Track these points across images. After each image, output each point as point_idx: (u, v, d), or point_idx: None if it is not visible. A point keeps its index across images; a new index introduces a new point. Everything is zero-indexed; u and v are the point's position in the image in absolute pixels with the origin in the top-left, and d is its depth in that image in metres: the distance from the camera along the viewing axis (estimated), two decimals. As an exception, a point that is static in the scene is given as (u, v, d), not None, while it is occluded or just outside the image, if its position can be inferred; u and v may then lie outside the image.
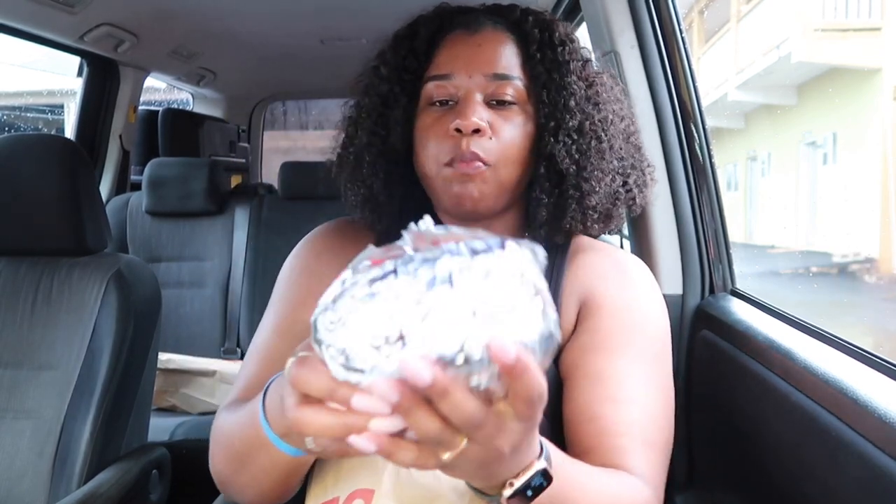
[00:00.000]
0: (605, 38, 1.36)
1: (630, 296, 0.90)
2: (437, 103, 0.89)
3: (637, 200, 0.96)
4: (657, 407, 0.83)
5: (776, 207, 8.01)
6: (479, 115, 0.85)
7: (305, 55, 3.00)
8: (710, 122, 1.34)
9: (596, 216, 0.91)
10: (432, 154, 0.87)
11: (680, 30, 1.33)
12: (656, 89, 1.33)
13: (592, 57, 0.96)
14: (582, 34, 1.40)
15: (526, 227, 0.95)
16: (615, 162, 0.92)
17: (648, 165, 1.00)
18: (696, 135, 1.32)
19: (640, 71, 1.33)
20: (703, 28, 7.40)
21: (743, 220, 7.83)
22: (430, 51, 0.91)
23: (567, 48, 0.92)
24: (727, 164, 7.83)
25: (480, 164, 0.85)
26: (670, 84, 1.34)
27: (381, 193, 0.94)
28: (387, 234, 0.97)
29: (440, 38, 0.92)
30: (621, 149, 0.93)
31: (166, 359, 2.28)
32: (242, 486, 0.79)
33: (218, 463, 0.82)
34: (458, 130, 0.84)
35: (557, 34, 0.92)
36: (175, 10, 2.33)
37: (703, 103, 1.34)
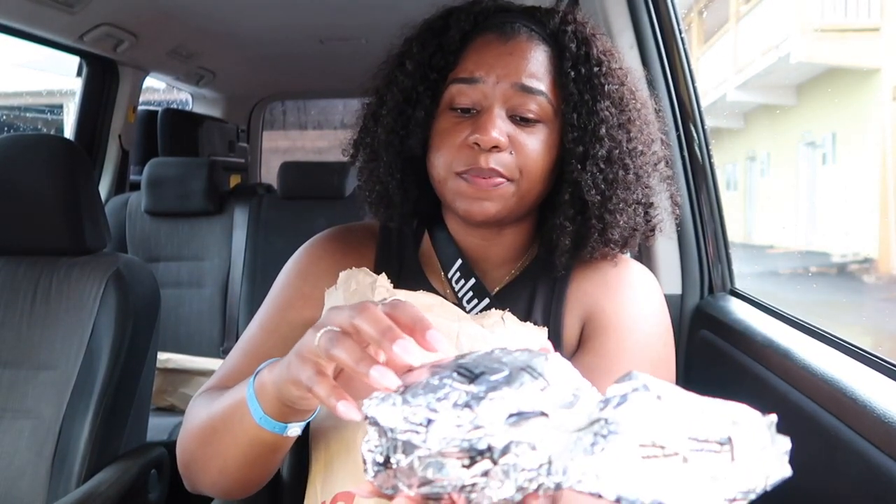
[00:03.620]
0: (605, 38, 1.35)
1: (635, 314, 0.88)
2: (459, 109, 0.85)
3: (655, 231, 0.94)
4: None
5: (775, 207, 8.01)
6: (500, 129, 0.82)
7: (305, 55, 3.00)
8: (709, 122, 1.34)
9: (616, 249, 0.89)
10: (444, 161, 0.85)
11: (679, 30, 1.33)
12: (656, 89, 1.33)
13: (629, 76, 0.91)
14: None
15: (535, 242, 0.94)
16: (640, 192, 0.88)
17: (672, 195, 0.98)
18: (695, 135, 1.32)
19: (640, 71, 1.33)
20: (702, 28, 7.40)
21: (742, 220, 7.84)
22: (459, 49, 0.87)
23: (604, 68, 0.87)
24: (726, 164, 7.84)
25: (501, 179, 0.83)
26: (669, 84, 1.34)
27: (395, 194, 0.92)
28: (388, 258, 0.96)
29: (471, 37, 0.88)
30: (649, 176, 0.90)
31: (165, 358, 2.28)
32: (207, 461, 0.79)
33: (187, 440, 0.82)
34: (477, 144, 0.82)
35: (595, 51, 0.87)
36: (174, 10, 2.33)
37: (703, 103, 1.34)
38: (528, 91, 0.84)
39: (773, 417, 0.45)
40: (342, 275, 0.88)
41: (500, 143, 0.82)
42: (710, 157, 1.33)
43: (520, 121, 0.84)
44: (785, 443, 0.45)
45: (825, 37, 6.08)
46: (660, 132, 0.95)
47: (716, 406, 0.45)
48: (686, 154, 1.33)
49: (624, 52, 1.33)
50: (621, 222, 0.87)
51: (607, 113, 0.85)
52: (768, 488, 0.44)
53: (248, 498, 1.11)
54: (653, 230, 0.93)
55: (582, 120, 0.85)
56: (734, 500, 0.43)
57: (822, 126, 6.60)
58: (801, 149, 6.94)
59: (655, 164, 0.92)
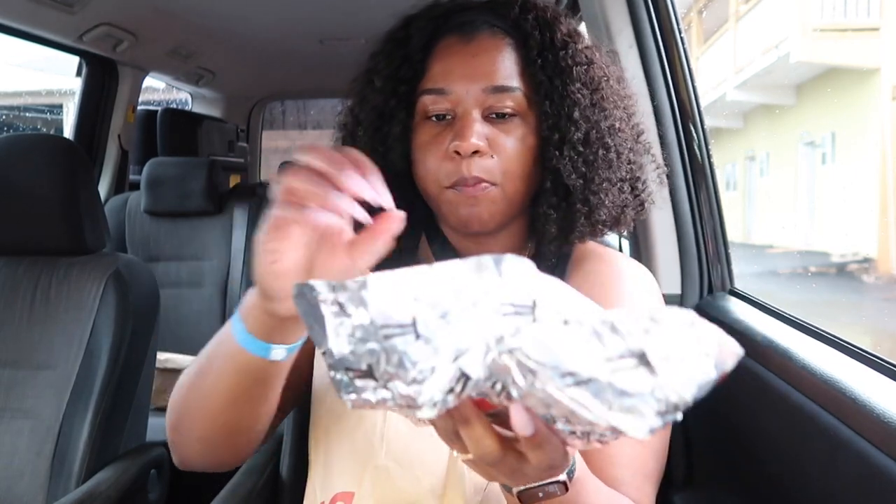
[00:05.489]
0: (604, 38, 1.35)
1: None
2: (434, 117, 0.85)
3: (646, 206, 0.93)
4: (658, 438, 0.83)
5: (775, 207, 8.02)
6: (478, 134, 0.81)
7: (304, 55, 3.00)
8: (708, 122, 1.34)
9: (605, 229, 0.89)
10: (432, 174, 0.85)
11: (679, 29, 1.33)
12: (655, 89, 1.33)
13: (598, 52, 0.90)
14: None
15: (531, 238, 0.93)
16: (623, 169, 0.88)
17: (658, 167, 0.97)
18: (694, 134, 1.32)
19: (639, 70, 1.33)
20: (701, 28, 7.41)
21: (741, 220, 7.84)
22: (424, 58, 0.87)
23: (570, 50, 0.86)
24: (726, 163, 7.84)
25: (486, 184, 0.82)
26: (669, 84, 1.33)
27: None
28: (386, 258, 0.96)
29: (434, 43, 0.87)
30: (633, 151, 0.89)
31: (165, 358, 2.28)
32: (193, 410, 0.76)
33: (174, 401, 0.79)
34: (457, 152, 0.82)
35: (559, 34, 0.86)
36: (174, 9, 2.33)
37: (702, 103, 1.34)
38: (502, 90, 0.83)
39: (693, 315, 0.44)
40: None
41: (481, 148, 0.81)
42: (709, 156, 1.33)
43: (497, 118, 0.84)
44: (709, 335, 0.43)
45: (825, 36, 6.09)
46: (635, 102, 0.93)
47: (628, 317, 0.43)
48: (685, 154, 1.33)
49: (623, 51, 1.33)
50: (607, 202, 0.86)
51: (579, 95, 0.84)
52: (700, 394, 0.42)
53: (249, 498, 1.11)
54: (642, 205, 0.92)
55: (555, 106, 0.84)
56: (665, 412, 0.41)
57: (821, 126, 6.61)
58: (801, 148, 6.95)
59: (637, 137, 0.91)
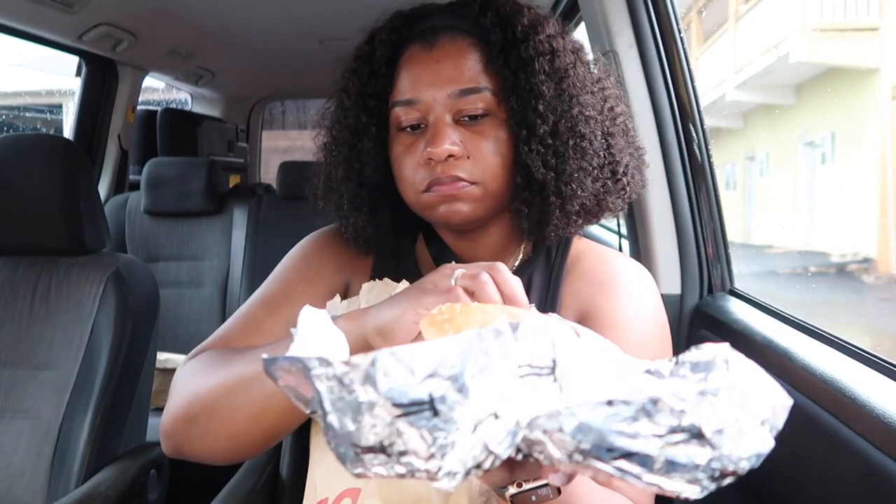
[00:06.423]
0: (604, 38, 1.36)
1: (631, 312, 0.86)
2: (408, 128, 0.85)
3: (629, 188, 0.91)
4: None
5: (774, 207, 8.01)
6: (451, 139, 0.81)
7: (303, 55, 3.00)
8: (708, 122, 1.34)
9: (580, 220, 0.88)
10: (409, 182, 0.85)
11: (678, 29, 1.33)
12: (655, 89, 1.33)
13: (562, 40, 0.87)
14: (581, 34, 1.41)
15: (525, 235, 0.92)
16: (600, 155, 0.86)
17: (638, 148, 0.95)
18: (694, 135, 1.32)
19: (639, 71, 1.33)
20: (701, 28, 7.40)
21: (741, 220, 7.84)
22: (390, 71, 0.87)
23: (531, 43, 0.84)
24: (725, 163, 7.83)
25: (465, 183, 0.82)
26: (669, 84, 1.34)
27: (368, 226, 0.92)
28: (385, 258, 0.95)
29: (399, 54, 0.87)
30: (609, 135, 0.88)
31: (165, 358, 2.28)
32: (234, 410, 0.77)
33: (202, 394, 0.80)
34: (431, 159, 0.82)
35: (520, 27, 0.85)
36: (173, 9, 2.33)
37: (702, 103, 1.34)
38: (469, 92, 0.83)
39: (726, 351, 0.43)
40: (365, 286, 0.88)
41: (455, 152, 0.81)
42: (709, 156, 1.33)
43: (469, 120, 0.83)
44: (758, 391, 0.42)
45: (824, 36, 6.08)
46: (611, 84, 0.92)
47: (675, 384, 0.42)
48: (685, 154, 1.33)
49: (623, 51, 1.34)
50: (580, 192, 0.85)
51: (543, 88, 0.83)
52: (759, 463, 0.42)
53: (249, 497, 1.11)
54: (625, 189, 0.91)
55: (521, 101, 0.83)
56: (721, 478, 0.41)
57: (821, 126, 6.60)
58: (801, 148, 6.95)
59: (614, 120, 0.90)
